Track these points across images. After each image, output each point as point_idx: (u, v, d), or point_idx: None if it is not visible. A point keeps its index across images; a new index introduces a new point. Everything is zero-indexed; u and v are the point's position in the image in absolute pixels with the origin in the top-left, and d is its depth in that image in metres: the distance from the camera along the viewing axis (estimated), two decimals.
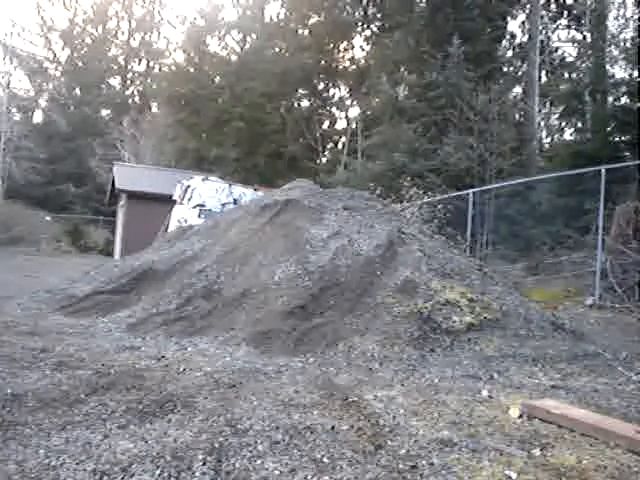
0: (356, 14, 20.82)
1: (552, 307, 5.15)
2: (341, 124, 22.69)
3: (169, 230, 8.92)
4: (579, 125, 15.35)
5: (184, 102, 19.80)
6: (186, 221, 9.40)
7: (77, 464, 1.44)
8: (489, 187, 10.04)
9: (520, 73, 19.39)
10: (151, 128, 20.83)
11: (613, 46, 13.33)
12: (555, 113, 19.69)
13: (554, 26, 20.37)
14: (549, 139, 20.06)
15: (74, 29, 25.41)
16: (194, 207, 10.45)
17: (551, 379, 2.68)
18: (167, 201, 10.07)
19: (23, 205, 17.29)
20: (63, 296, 4.20)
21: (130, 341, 3.01)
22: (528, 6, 18.15)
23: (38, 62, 23.03)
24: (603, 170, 6.63)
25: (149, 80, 25.50)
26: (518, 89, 19.18)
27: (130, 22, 26.84)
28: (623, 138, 11.05)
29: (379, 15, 20.37)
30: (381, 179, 12.46)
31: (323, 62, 21.22)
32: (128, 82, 27.09)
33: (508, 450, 1.68)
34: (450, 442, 1.73)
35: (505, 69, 19.10)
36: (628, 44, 12.99)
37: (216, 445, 1.60)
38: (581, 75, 13.99)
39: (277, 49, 21.19)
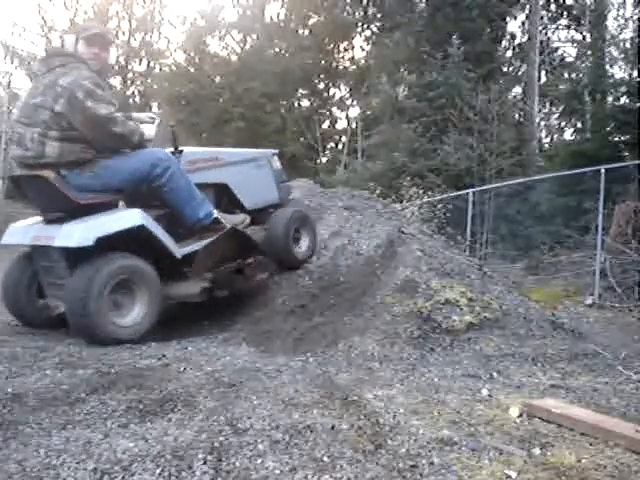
0: (356, 14, 20.83)
1: (552, 307, 5.15)
2: (341, 124, 22.70)
3: None
4: (579, 125, 15.37)
5: (184, 102, 19.79)
6: None
7: (77, 463, 1.45)
8: (489, 187, 10.05)
9: (520, 73, 19.39)
10: None
11: (613, 46, 13.35)
12: (555, 113, 19.70)
13: (554, 26, 20.39)
14: (549, 139, 20.08)
15: (75, 29, 25.38)
16: None
17: (551, 378, 2.68)
18: None
19: (23, 205, 17.26)
20: None
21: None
22: (528, 6, 18.15)
23: None
24: (603, 170, 6.64)
25: (149, 80, 25.48)
26: (518, 89, 19.19)
27: (131, 22, 26.78)
28: (623, 138, 11.06)
29: (379, 15, 20.37)
30: (381, 179, 12.47)
31: (323, 62, 21.20)
32: (129, 82, 27.08)
33: (508, 449, 1.68)
34: (450, 441, 1.73)
35: (505, 69, 19.11)
36: (627, 44, 13.01)
37: (216, 444, 1.61)
38: (581, 75, 14.00)
39: (277, 49, 21.17)
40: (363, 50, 21.68)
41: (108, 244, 2.82)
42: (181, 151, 3.31)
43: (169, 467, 1.44)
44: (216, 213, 3.30)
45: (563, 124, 19.58)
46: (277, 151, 4.31)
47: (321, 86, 22.39)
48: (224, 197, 3.67)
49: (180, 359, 2.65)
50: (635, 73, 12.38)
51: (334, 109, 22.98)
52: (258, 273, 3.63)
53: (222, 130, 19.00)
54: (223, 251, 3.31)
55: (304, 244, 3.98)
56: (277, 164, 4.14)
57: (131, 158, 3.06)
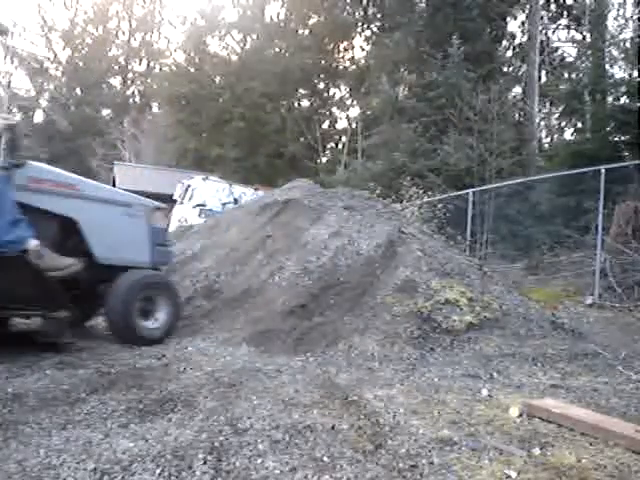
0: (356, 14, 20.84)
1: (552, 306, 5.15)
2: (341, 124, 22.72)
3: (169, 230, 8.93)
4: (579, 125, 15.35)
5: (184, 102, 19.83)
6: (187, 221, 9.41)
7: (77, 463, 1.45)
8: (489, 187, 10.03)
9: (520, 73, 19.39)
10: (151, 128, 20.82)
11: (613, 46, 13.33)
12: (555, 113, 19.69)
13: (554, 26, 20.38)
14: (549, 139, 20.07)
15: (75, 29, 25.41)
16: (195, 207, 10.47)
17: (551, 378, 2.68)
18: (168, 201, 10.08)
19: None
20: None
21: None
22: (528, 6, 18.15)
23: (39, 62, 23.04)
24: (603, 170, 6.62)
25: (149, 80, 25.50)
26: (518, 89, 19.18)
27: (131, 22, 26.86)
28: (623, 138, 11.04)
29: (379, 15, 20.38)
30: (381, 179, 12.47)
31: (323, 62, 21.25)
32: (129, 82, 27.11)
33: (508, 449, 1.68)
34: (450, 441, 1.73)
35: (505, 69, 19.11)
36: (628, 44, 12.99)
37: (216, 444, 1.61)
38: (581, 75, 13.98)
39: (277, 49, 21.21)
40: (363, 50, 21.71)
41: None
42: (19, 164, 2.66)
43: (169, 467, 1.45)
44: (34, 245, 2.53)
45: (563, 124, 19.57)
46: (165, 207, 3.48)
47: (321, 86, 22.42)
48: (69, 236, 2.90)
49: (180, 359, 2.66)
50: (635, 73, 12.36)
51: (334, 109, 23.02)
52: (62, 335, 2.72)
53: (222, 130, 19.01)
54: (6, 285, 2.50)
55: (158, 319, 3.09)
56: (161, 222, 3.36)
57: None
